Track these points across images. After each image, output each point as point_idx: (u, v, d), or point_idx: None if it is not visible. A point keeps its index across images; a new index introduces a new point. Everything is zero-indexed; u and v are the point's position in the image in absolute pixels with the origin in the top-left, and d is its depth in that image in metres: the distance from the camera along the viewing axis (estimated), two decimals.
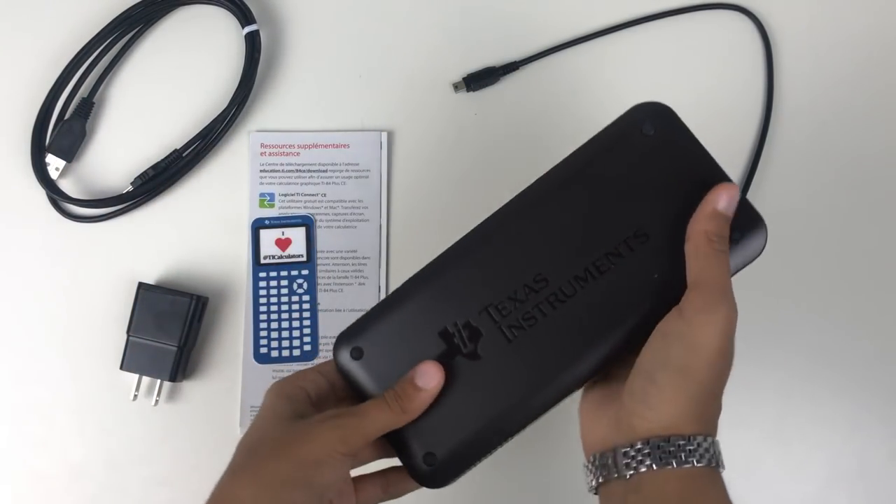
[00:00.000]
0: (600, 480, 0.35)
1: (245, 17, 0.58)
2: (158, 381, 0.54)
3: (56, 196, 0.57)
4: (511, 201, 0.38)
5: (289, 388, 0.37)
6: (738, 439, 0.55)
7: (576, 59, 0.59)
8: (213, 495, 0.35)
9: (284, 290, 0.56)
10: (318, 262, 0.57)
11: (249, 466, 0.34)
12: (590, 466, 0.36)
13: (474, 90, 0.59)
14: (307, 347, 0.56)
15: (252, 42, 0.58)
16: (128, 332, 0.54)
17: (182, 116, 0.58)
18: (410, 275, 0.38)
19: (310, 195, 0.57)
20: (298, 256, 0.57)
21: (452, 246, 0.38)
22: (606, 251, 0.36)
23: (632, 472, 0.34)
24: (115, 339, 0.55)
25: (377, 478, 0.39)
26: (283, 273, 0.56)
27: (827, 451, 0.56)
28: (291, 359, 0.56)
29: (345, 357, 0.37)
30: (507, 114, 0.59)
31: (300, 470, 0.34)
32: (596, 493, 0.36)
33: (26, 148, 0.57)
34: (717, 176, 0.36)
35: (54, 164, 0.57)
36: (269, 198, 0.57)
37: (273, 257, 0.57)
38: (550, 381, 0.36)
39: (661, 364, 0.34)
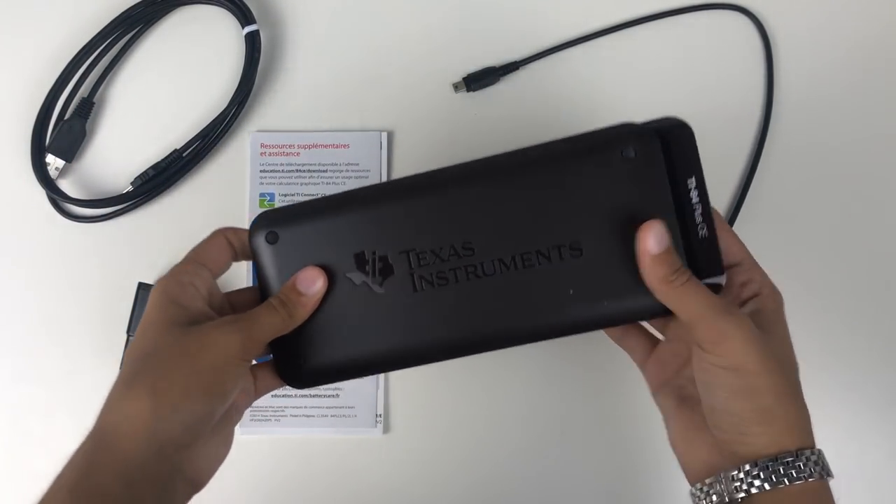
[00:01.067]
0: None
1: (245, 17, 0.58)
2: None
3: (56, 196, 0.57)
4: (475, 162, 0.38)
5: (175, 289, 0.35)
6: None
7: (576, 59, 0.59)
8: (103, 410, 0.33)
9: None
10: None
11: (144, 378, 0.33)
12: (698, 493, 0.36)
13: (474, 90, 0.59)
14: None
15: (252, 42, 0.58)
16: (128, 332, 0.54)
17: (182, 116, 0.58)
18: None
19: (310, 195, 0.57)
20: None
21: (408, 177, 0.38)
22: (538, 249, 0.36)
23: (743, 494, 0.33)
24: (115, 339, 0.55)
25: (271, 366, 0.39)
26: None
27: (827, 452, 0.55)
28: None
29: (259, 238, 0.37)
30: (507, 114, 0.59)
31: (200, 379, 0.33)
32: None
33: (26, 148, 0.57)
34: (668, 223, 0.35)
35: (54, 164, 0.57)
36: (269, 198, 0.57)
37: None
38: (430, 342, 0.37)
39: (725, 399, 0.34)
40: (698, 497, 0.36)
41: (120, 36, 0.59)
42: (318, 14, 0.60)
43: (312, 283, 0.36)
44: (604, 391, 0.56)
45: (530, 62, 0.59)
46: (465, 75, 0.59)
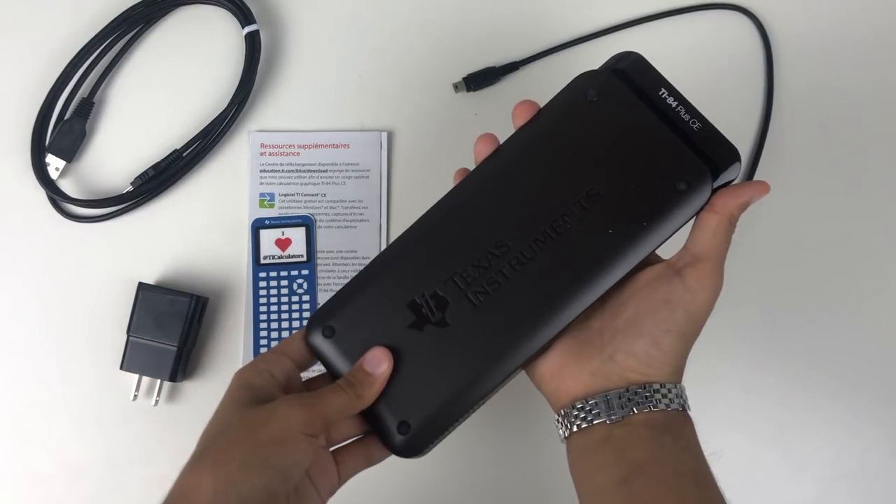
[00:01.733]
0: (581, 426, 0.36)
1: (245, 17, 0.58)
2: (158, 381, 0.54)
3: (56, 196, 0.57)
4: (466, 178, 0.39)
5: (250, 375, 0.37)
6: (738, 441, 0.55)
7: (576, 59, 0.59)
8: (173, 488, 0.34)
9: (284, 291, 0.56)
10: (318, 262, 0.57)
11: (208, 454, 0.34)
12: (571, 412, 0.37)
13: (474, 90, 0.59)
14: None
15: (252, 42, 0.58)
16: (128, 332, 0.54)
17: (182, 116, 0.58)
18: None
19: (310, 195, 0.57)
20: (298, 256, 0.57)
21: (417, 221, 0.39)
22: (562, 212, 0.37)
23: (628, 411, 0.36)
24: (115, 339, 0.55)
25: (358, 447, 0.40)
26: (283, 273, 0.56)
27: (827, 452, 0.55)
28: None
29: (317, 337, 0.38)
30: (507, 114, 0.58)
31: (259, 452, 0.34)
32: (566, 441, 0.38)
33: (26, 148, 0.57)
34: (660, 132, 0.37)
35: (54, 164, 0.57)
36: (269, 198, 0.57)
37: (273, 257, 0.57)
38: (517, 342, 0.37)
39: (666, 330, 0.36)
40: (569, 416, 0.37)
41: (120, 36, 0.59)
42: (319, 14, 0.60)
43: (379, 363, 0.37)
44: None
45: (530, 62, 0.59)
46: (465, 75, 0.59)
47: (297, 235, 0.57)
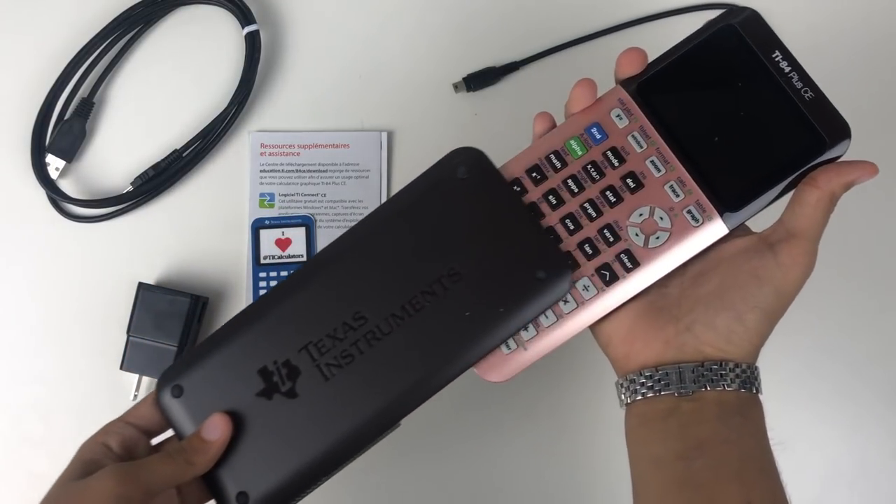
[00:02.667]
0: (648, 395, 0.35)
1: (245, 17, 0.58)
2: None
3: (56, 196, 0.57)
4: (333, 242, 0.38)
5: (85, 448, 0.36)
6: None
7: (576, 59, 0.59)
8: None
9: None
10: None
11: None
12: (638, 380, 0.36)
13: (474, 90, 0.59)
14: None
15: (252, 42, 0.58)
16: (128, 332, 0.54)
17: (182, 116, 0.58)
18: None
19: (310, 195, 0.57)
20: (298, 256, 0.57)
21: (278, 285, 0.38)
22: (422, 290, 0.36)
23: (700, 388, 0.34)
24: (115, 339, 0.55)
25: None
26: (284, 273, 0.56)
27: (827, 452, 0.55)
28: None
29: (166, 396, 0.37)
30: (507, 114, 0.59)
31: None
32: (626, 407, 0.37)
33: (26, 148, 0.57)
34: (521, 218, 0.37)
35: (54, 164, 0.57)
36: (269, 198, 0.57)
37: (273, 257, 0.57)
38: (364, 419, 0.36)
39: (753, 306, 0.35)
40: (636, 383, 0.36)
41: (120, 36, 0.59)
42: (318, 14, 0.60)
43: (215, 429, 0.36)
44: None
45: (530, 62, 0.59)
46: (465, 75, 0.59)
47: (297, 235, 0.57)
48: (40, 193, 0.57)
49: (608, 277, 0.35)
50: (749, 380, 0.35)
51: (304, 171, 0.58)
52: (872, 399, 0.56)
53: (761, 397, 0.36)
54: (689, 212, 0.36)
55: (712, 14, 0.61)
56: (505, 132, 0.58)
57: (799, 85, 0.36)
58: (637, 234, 0.36)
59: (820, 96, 0.35)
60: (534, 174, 0.37)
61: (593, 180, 0.37)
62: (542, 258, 0.36)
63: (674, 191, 0.36)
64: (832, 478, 0.55)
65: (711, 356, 0.35)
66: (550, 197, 0.37)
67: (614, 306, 0.36)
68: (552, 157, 0.38)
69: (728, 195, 0.36)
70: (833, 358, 0.56)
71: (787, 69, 0.36)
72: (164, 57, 0.60)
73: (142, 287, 0.54)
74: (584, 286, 0.35)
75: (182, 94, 0.59)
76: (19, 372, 0.56)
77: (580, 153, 0.37)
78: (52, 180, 0.57)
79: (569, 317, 0.36)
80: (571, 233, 0.36)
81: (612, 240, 0.36)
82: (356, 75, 0.59)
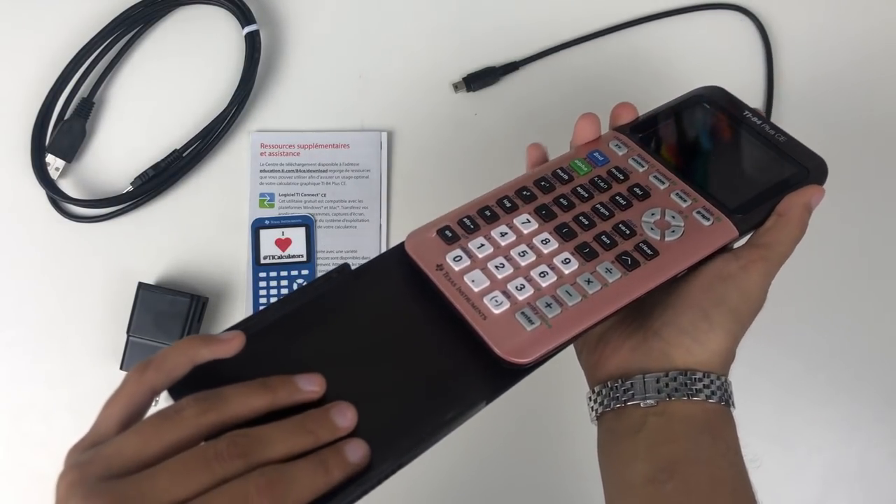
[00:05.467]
0: (616, 406, 0.35)
1: (245, 17, 0.58)
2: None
3: (56, 196, 0.57)
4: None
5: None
6: None
7: (576, 59, 0.59)
8: None
9: (284, 291, 0.56)
10: (318, 262, 0.57)
11: None
12: (606, 392, 0.36)
13: (474, 90, 0.59)
14: None
15: (252, 42, 0.58)
16: (128, 332, 0.54)
17: (182, 116, 0.58)
18: None
19: (310, 195, 0.57)
20: (298, 256, 0.57)
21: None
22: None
23: (664, 397, 0.34)
24: (115, 339, 0.55)
25: None
26: (283, 273, 0.56)
27: (827, 452, 0.55)
28: None
29: None
30: (507, 114, 0.59)
31: None
32: (596, 421, 0.37)
33: (26, 148, 0.57)
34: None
35: (54, 164, 0.57)
36: (269, 198, 0.57)
37: (273, 257, 0.57)
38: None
39: (717, 303, 0.35)
40: (602, 395, 0.36)
41: (120, 36, 0.59)
42: (318, 14, 0.60)
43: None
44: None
45: (530, 62, 0.59)
46: (465, 75, 0.59)
47: (297, 235, 0.57)
48: (40, 193, 0.57)
49: (630, 262, 0.35)
50: (717, 391, 0.35)
51: (304, 171, 0.58)
52: (872, 399, 0.56)
53: (734, 412, 0.36)
54: (698, 212, 0.37)
55: (712, 14, 0.62)
56: (505, 132, 0.59)
57: (772, 132, 0.40)
58: (652, 229, 0.36)
59: (791, 139, 0.40)
60: (542, 183, 0.38)
61: (601, 190, 0.38)
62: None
63: (680, 197, 0.37)
64: (832, 478, 0.55)
65: (679, 360, 0.35)
66: (561, 200, 0.37)
67: (640, 294, 0.35)
68: (559, 171, 0.38)
69: (731, 205, 0.37)
70: (833, 358, 0.56)
71: (759, 122, 0.40)
72: (164, 57, 0.60)
73: (142, 287, 0.54)
74: (607, 269, 0.35)
75: (182, 95, 0.59)
76: (20, 372, 0.56)
77: (586, 170, 0.38)
78: (52, 180, 0.57)
79: (595, 298, 0.34)
80: (586, 228, 0.36)
81: (628, 233, 0.36)
82: (356, 75, 0.59)
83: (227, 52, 0.59)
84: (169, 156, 0.57)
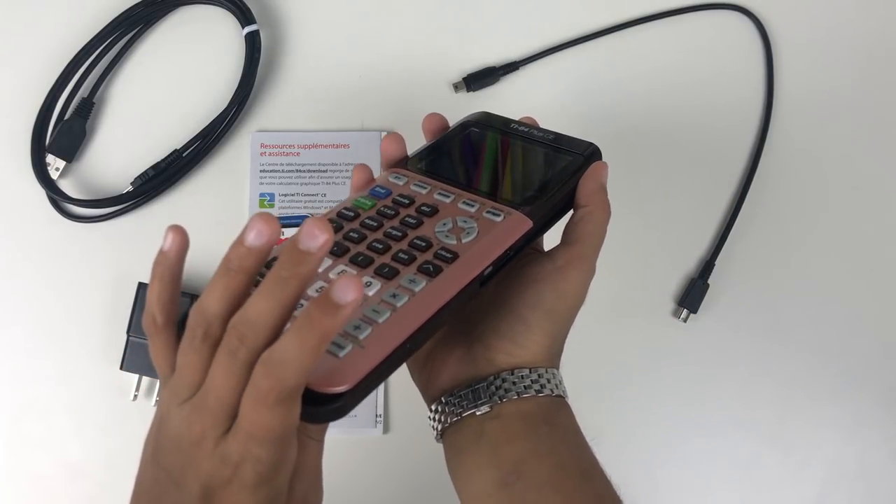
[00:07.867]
0: (453, 420, 0.36)
1: (245, 17, 0.58)
2: (158, 381, 0.54)
3: (56, 196, 0.57)
4: None
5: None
6: (738, 440, 0.55)
7: (576, 59, 0.59)
8: None
9: None
10: None
11: None
12: (441, 409, 0.36)
13: (474, 90, 0.59)
14: None
15: (252, 42, 0.58)
16: (128, 332, 0.54)
17: (182, 116, 0.58)
18: None
19: (310, 195, 0.57)
20: None
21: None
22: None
23: (496, 400, 0.35)
24: (115, 339, 0.55)
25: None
26: None
27: (827, 452, 0.55)
28: None
29: None
30: (507, 114, 0.59)
31: None
32: (441, 439, 0.37)
33: (26, 148, 0.57)
34: None
35: (54, 164, 0.57)
36: (269, 198, 0.57)
37: (273, 258, 0.56)
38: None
39: (532, 306, 0.36)
40: (441, 412, 0.36)
41: (120, 36, 0.59)
42: (319, 14, 0.60)
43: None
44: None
45: (530, 62, 0.59)
46: (464, 75, 0.59)
47: None
48: (40, 193, 0.57)
49: (432, 269, 0.34)
50: (546, 385, 0.35)
51: (304, 171, 0.58)
52: (872, 399, 0.56)
53: (568, 400, 0.36)
54: (489, 212, 0.37)
55: (712, 14, 0.62)
56: None
57: (540, 134, 0.43)
58: (447, 237, 0.36)
59: (559, 134, 0.42)
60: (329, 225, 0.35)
61: (388, 217, 0.37)
62: None
63: (468, 205, 0.37)
64: (832, 478, 0.55)
65: (502, 363, 0.35)
66: (352, 234, 0.36)
67: (450, 296, 0.34)
68: (344, 211, 0.38)
69: (518, 200, 0.38)
70: (832, 359, 0.56)
71: (527, 129, 0.43)
72: (164, 57, 0.60)
73: (142, 287, 0.54)
74: (411, 280, 0.34)
75: (182, 95, 0.59)
76: (20, 372, 0.56)
77: (370, 204, 0.38)
78: (52, 180, 0.57)
79: (404, 309, 0.33)
80: (381, 252, 0.35)
81: (424, 245, 0.36)
82: (356, 75, 0.59)
83: (227, 53, 0.59)
84: (169, 156, 0.57)
